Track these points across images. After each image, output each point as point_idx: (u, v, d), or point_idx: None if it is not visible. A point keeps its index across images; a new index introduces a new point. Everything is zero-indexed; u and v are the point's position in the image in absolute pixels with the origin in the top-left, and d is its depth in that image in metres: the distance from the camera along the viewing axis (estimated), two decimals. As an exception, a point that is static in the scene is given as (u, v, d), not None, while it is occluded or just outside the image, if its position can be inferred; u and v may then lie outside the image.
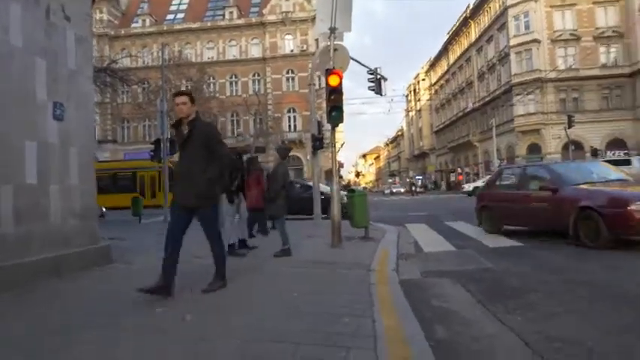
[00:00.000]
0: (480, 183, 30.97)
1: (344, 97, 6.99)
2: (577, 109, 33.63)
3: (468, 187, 31.07)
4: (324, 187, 15.90)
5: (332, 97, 6.79)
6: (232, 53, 41.51)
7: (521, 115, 35.40)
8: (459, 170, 49.91)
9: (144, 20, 43.19)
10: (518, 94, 34.93)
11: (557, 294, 3.84)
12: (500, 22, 38.57)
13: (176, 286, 3.83)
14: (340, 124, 7.12)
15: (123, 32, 42.07)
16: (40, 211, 4.64)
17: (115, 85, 20.00)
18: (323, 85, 7.79)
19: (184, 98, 3.89)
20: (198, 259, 5.41)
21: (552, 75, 33.26)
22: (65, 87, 5.14)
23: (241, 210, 6.52)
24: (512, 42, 35.96)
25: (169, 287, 3.63)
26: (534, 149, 35.43)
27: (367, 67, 17.01)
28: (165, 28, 42.09)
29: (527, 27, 35.39)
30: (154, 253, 6.00)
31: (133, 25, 43.25)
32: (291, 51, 40.34)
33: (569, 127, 28.39)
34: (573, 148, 30.42)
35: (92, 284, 4.49)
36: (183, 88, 34.16)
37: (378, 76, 17.10)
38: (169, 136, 14.27)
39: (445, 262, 5.67)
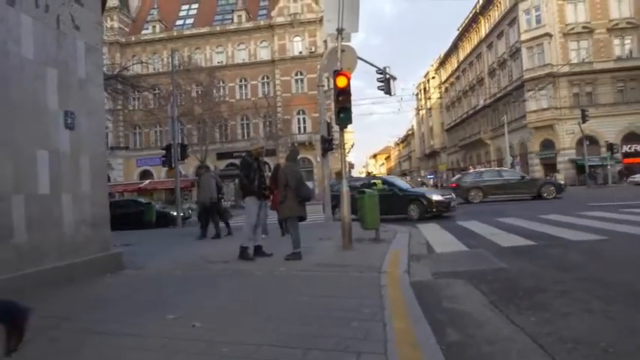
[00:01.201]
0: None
1: (353, 97, 6.98)
2: (591, 104, 33.13)
3: None
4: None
5: (340, 99, 6.77)
6: (241, 57, 41.73)
7: (534, 111, 34.94)
8: (471, 168, 49.43)
9: (154, 27, 43.66)
10: (530, 90, 34.47)
11: (572, 293, 3.77)
12: (510, 17, 38.14)
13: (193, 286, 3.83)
14: (350, 125, 7.10)
15: (133, 39, 42.60)
16: (53, 219, 4.71)
17: (127, 91, 20.27)
18: (332, 86, 7.77)
19: None
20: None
21: (565, 69, 32.75)
22: (76, 96, 5.22)
23: (261, 216, 6.48)
24: (524, 37, 35.52)
25: None
26: (548, 145, 34.94)
27: (376, 66, 16.98)
28: (175, 33, 42.48)
29: (538, 21, 34.92)
30: (164, 258, 6.10)
31: (144, 31, 43.75)
32: (300, 53, 40.40)
33: (584, 121, 27.94)
34: (588, 143, 29.94)
35: (104, 290, 4.55)
36: (193, 94, 34.58)
37: (387, 76, 17.05)
38: (180, 142, 14.41)
39: (457, 263, 5.61)
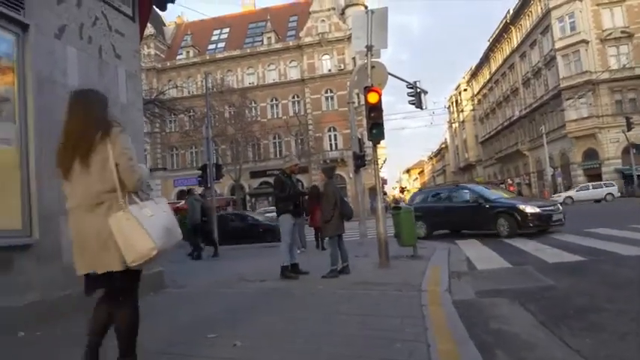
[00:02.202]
0: (572, 192, 28.84)
1: (384, 113, 6.94)
2: (636, 110, 31.59)
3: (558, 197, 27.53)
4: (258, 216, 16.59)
5: (372, 115, 6.75)
6: (272, 77, 42.63)
7: (574, 120, 33.65)
8: (510, 181, 47.94)
9: (187, 52, 45.41)
10: (568, 99, 33.30)
11: (628, 313, 3.52)
12: (543, 25, 37.27)
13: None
14: (382, 141, 7.06)
15: (169, 64, 44.41)
16: (98, 240, 4.86)
17: (164, 115, 21.02)
18: (362, 102, 7.76)
19: None
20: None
21: (605, 76, 31.50)
22: (119, 121, 5.42)
23: (296, 234, 6.47)
24: (558, 45, 34.54)
25: None
26: (591, 155, 33.47)
27: (406, 81, 16.92)
28: (207, 57, 43.99)
29: (572, 28, 33.93)
30: (204, 277, 6.17)
31: (178, 57, 45.57)
32: (329, 70, 40.86)
33: (629, 129, 26.71)
34: (634, 151, 28.49)
35: (147, 309, 4.62)
36: (226, 114, 35.45)
37: (418, 90, 16.95)
38: (215, 162, 14.73)
39: (501, 280, 5.38)
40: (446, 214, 11.81)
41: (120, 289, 2.45)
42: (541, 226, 10.04)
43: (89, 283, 2.47)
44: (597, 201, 27.05)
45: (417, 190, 15.24)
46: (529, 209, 10.07)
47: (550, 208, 10.58)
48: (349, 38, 37.06)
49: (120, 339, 2.51)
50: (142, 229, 2.25)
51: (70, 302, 4.23)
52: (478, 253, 7.94)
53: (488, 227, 10.48)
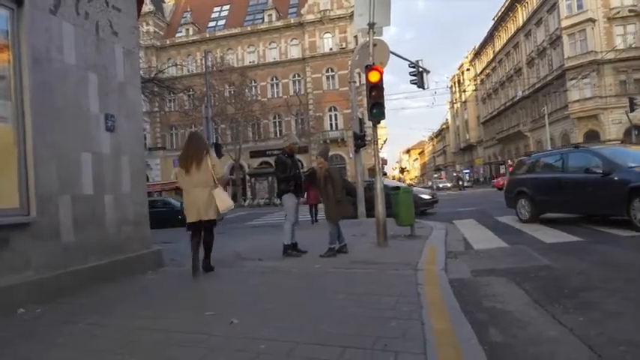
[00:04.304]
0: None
1: (385, 92, 6.87)
2: None
3: None
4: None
5: (372, 94, 6.68)
6: (272, 56, 42.11)
7: (577, 101, 33.36)
8: (510, 162, 47.84)
9: (187, 29, 44.74)
10: (572, 79, 32.93)
11: (622, 292, 3.56)
12: (549, 3, 36.55)
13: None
14: (382, 120, 7.01)
15: (168, 42, 43.82)
16: (96, 219, 4.89)
17: (163, 94, 20.86)
18: (363, 82, 7.67)
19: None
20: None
21: (610, 55, 31.08)
22: (115, 99, 5.39)
23: (298, 214, 6.47)
24: (564, 23, 33.94)
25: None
26: (592, 136, 33.26)
27: (408, 60, 16.70)
28: (207, 35, 43.39)
29: (580, 6, 33.28)
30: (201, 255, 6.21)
31: (178, 34, 44.92)
32: (331, 49, 40.32)
33: (632, 110, 26.44)
34: (637, 132, 28.30)
35: (145, 287, 4.69)
36: (226, 94, 35.17)
37: (420, 69, 16.75)
38: (214, 141, 14.68)
39: (497, 260, 5.42)
40: (558, 190, 8.21)
41: (210, 227, 5.22)
42: None
43: (193, 226, 5.14)
44: None
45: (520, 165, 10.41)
46: None
47: None
48: (351, 16, 36.44)
49: (206, 250, 5.29)
50: (227, 196, 5.29)
51: (68, 280, 4.30)
52: (475, 233, 7.99)
53: (617, 211, 7.06)
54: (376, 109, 6.69)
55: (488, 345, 2.59)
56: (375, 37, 6.98)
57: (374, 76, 6.63)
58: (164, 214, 15.26)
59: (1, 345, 2.88)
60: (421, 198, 13.57)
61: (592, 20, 32.62)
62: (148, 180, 36.12)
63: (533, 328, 2.92)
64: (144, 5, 6.79)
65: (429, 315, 3.07)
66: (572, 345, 2.58)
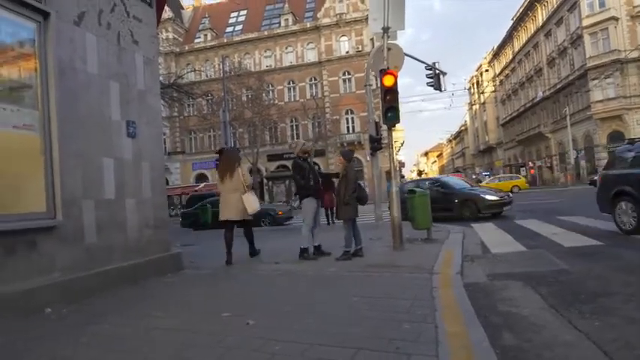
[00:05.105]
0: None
1: (402, 95, 6.91)
2: (665, 90, 30.40)
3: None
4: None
5: (387, 98, 6.71)
6: (289, 60, 42.38)
7: (600, 101, 32.58)
8: (530, 164, 46.98)
9: (205, 35, 45.41)
10: (594, 79, 32.20)
11: (641, 297, 3.50)
12: (570, 1, 35.85)
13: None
14: (399, 123, 7.03)
15: (187, 48, 44.56)
16: (118, 223, 5.05)
17: (182, 99, 21.21)
18: (379, 84, 7.69)
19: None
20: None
21: (634, 54, 30.27)
22: (136, 106, 5.56)
23: (318, 217, 6.56)
24: (585, 22, 33.25)
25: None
26: (616, 137, 32.37)
27: (425, 62, 16.62)
28: (225, 40, 43.94)
29: (602, 4, 32.57)
30: (220, 258, 6.34)
31: (196, 40, 45.64)
32: (347, 52, 40.37)
33: (657, 110, 25.70)
34: (663, 133, 27.51)
35: (164, 289, 4.81)
36: (243, 98, 35.55)
37: (437, 71, 16.64)
38: (232, 145, 14.86)
39: (514, 264, 5.38)
40: None
41: (245, 224, 6.64)
42: None
43: (227, 223, 6.42)
44: None
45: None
46: None
47: None
48: (367, 19, 36.45)
49: (248, 242, 6.75)
50: (255, 200, 6.50)
51: (92, 281, 4.45)
52: (493, 237, 7.91)
53: None
54: (391, 113, 6.71)
55: (501, 349, 2.60)
56: (389, 41, 7.01)
57: (388, 80, 6.66)
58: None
59: (31, 344, 3.01)
60: (484, 199, 11.89)
61: (615, 18, 31.87)
62: (167, 184, 36.80)
63: (548, 332, 2.91)
64: (163, 12, 6.97)
65: (443, 318, 3.09)
66: (586, 350, 2.57)
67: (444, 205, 11.85)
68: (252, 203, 6.33)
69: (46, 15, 4.27)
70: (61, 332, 3.26)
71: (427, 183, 14.09)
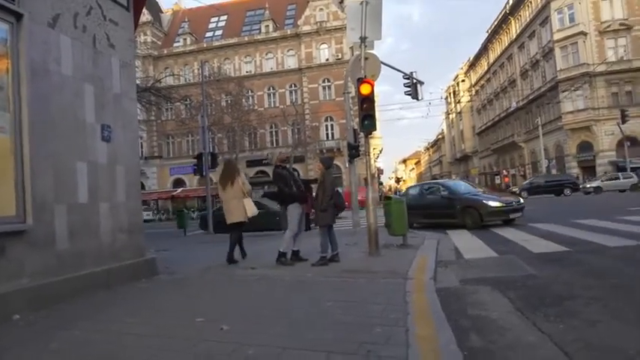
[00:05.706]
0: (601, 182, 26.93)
1: (381, 103, 7.16)
2: (631, 103, 31.77)
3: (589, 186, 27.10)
4: None
5: (364, 106, 6.82)
6: (269, 66, 42.46)
7: (570, 112, 33.80)
8: (505, 172, 48.16)
9: (185, 39, 45.08)
10: (564, 91, 33.39)
11: (603, 300, 3.66)
12: (542, 16, 37.19)
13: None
14: (378, 130, 7.17)
15: (165, 52, 44.13)
16: (91, 227, 4.97)
17: (160, 103, 20.93)
18: (357, 93, 7.82)
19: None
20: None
21: (602, 68, 31.57)
22: (111, 109, 5.50)
23: (302, 223, 6.59)
24: (557, 36, 34.54)
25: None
26: (585, 147, 33.68)
27: (402, 72, 16.92)
28: (204, 45, 43.73)
29: (571, 19, 33.93)
30: (195, 263, 6.31)
31: (175, 44, 45.24)
32: (327, 60, 40.73)
33: (623, 122, 26.90)
34: (629, 144, 28.69)
35: (137, 294, 4.75)
36: (223, 103, 35.35)
37: (414, 81, 16.96)
38: (210, 151, 14.75)
39: (485, 269, 5.53)
40: None
41: (238, 227, 7.07)
42: None
43: (229, 226, 7.04)
44: (622, 191, 25.55)
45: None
46: None
47: None
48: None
49: (231, 246, 6.96)
50: (253, 205, 7.16)
51: (63, 287, 4.36)
52: (467, 243, 8.09)
53: None
54: (367, 120, 6.83)
55: (469, 350, 2.69)
56: (366, 51, 7.15)
57: (365, 89, 6.78)
58: (260, 218, 13.42)
59: (-5, 350, 2.95)
60: (486, 206, 10.60)
61: (584, 33, 33.20)
62: (144, 188, 36.08)
63: (513, 334, 3.01)
64: (142, 15, 6.96)
65: (414, 322, 3.17)
66: (549, 350, 2.68)
67: (447, 211, 11.14)
68: (251, 207, 7.07)
69: (19, 16, 4.21)
70: (29, 339, 3.19)
71: (428, 187, 13.33)
